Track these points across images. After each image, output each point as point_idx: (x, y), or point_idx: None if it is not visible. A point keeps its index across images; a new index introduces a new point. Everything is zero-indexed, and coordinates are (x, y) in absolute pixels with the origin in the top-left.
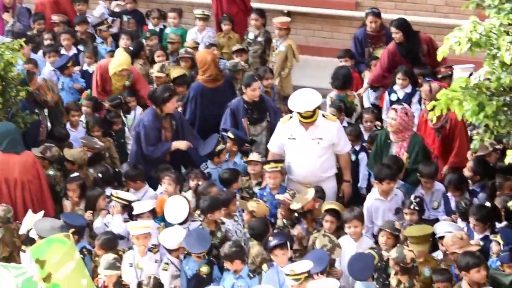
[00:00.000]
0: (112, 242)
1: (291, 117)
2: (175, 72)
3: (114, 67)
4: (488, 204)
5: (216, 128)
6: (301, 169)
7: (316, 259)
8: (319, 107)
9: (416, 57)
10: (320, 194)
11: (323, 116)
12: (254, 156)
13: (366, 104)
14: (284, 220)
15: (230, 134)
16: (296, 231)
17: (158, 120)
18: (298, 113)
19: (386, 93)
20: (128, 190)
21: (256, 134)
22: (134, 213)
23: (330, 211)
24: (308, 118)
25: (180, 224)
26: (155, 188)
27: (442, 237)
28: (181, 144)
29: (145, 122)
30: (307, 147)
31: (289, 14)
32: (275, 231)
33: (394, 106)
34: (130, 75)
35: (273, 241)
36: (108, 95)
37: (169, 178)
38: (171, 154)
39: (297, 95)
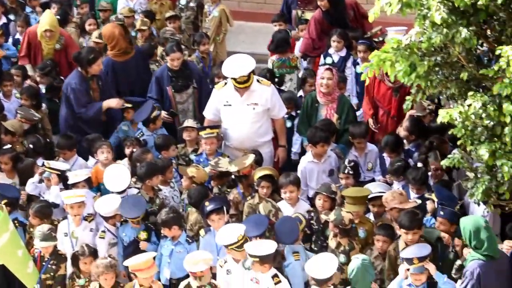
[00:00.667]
0: (46, 210)
1: (225, 83)
2: None
3: (39, 29)
4: (420, 164)
5: None
6: (237, 135)
7: (255, 223)
8: (253, 72)
9: (344, 23)
10: (258, 158)
11: (258, 81)
12: (189, 122)
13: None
14: (219, 186)
15: (126, 104)
16: (232, 195)
17: (85, 81)
18: (233, 78)
19: (322, 57)
20: (58, 160)
21: (182, 101)
22: (69, 182)
23: (265, 177)
24: (243, 83)
25: (120, 192)
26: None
27: (373, 199)
28: (112, 103)
29: (73, 84)
30: (243, 113)
31: None
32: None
33: (328, 66)
34: (61, 37)
35: (209, 206)
36: (38, 62)
37: (106, 147)
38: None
39: (230, 61)
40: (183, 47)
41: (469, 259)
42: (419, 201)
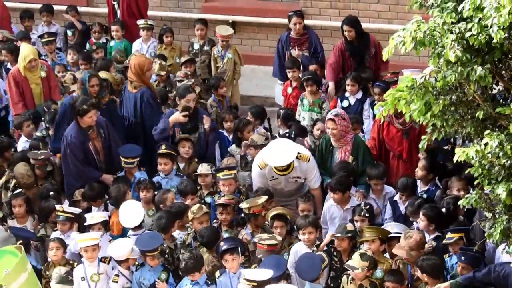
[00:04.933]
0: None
1: (266, 164)
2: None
3: (22, 63)
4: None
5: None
6: (280, 192)
7: (273, 265)
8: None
9: (363, 57)
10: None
11: (297, 157)
12: (203, 169)
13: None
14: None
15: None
16: (241, 236)
17: (83, 132)
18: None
19: (338, 100)
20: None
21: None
22: (85, 224)
23: (278, 216)
24: (282, 171)
25: (134, 229)
26: None
27: (389, 239)
28: (109, 180)
29: (69, 138)
30: (288, 184)
31: (233, 23)
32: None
33: (330, 116)
34: (43, 65)
35: (223, 246)
36: (29, 103)
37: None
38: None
39: (272, 148)
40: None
41: None
42: (434, 243)
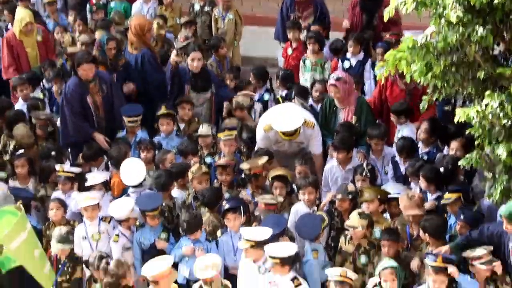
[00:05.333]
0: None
1: (271, 128)
2: None
3: (18, 27)
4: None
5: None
6: (286, 154)
7: (273, 223)
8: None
9: (373, 16)
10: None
11: (303, 124)
12: (204, 129)
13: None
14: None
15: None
16: (241, 196)
17: (83, 84)
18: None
19: (340, 60)
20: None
21: (197, 104)
22: (86, 184)
23: (278, 177)
24: (289, 136)
25: (136, 187)
26: None
27: (389, 199)
28: (99, 139)
29: (67, 90)
30: (290, 147)
31: None
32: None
33: (332, 81)
34: (39, 29)
35: (226, 205)
36: (24, 67)
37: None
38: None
39: (279, 113)
40: None
41: None
42: (436, 203)
